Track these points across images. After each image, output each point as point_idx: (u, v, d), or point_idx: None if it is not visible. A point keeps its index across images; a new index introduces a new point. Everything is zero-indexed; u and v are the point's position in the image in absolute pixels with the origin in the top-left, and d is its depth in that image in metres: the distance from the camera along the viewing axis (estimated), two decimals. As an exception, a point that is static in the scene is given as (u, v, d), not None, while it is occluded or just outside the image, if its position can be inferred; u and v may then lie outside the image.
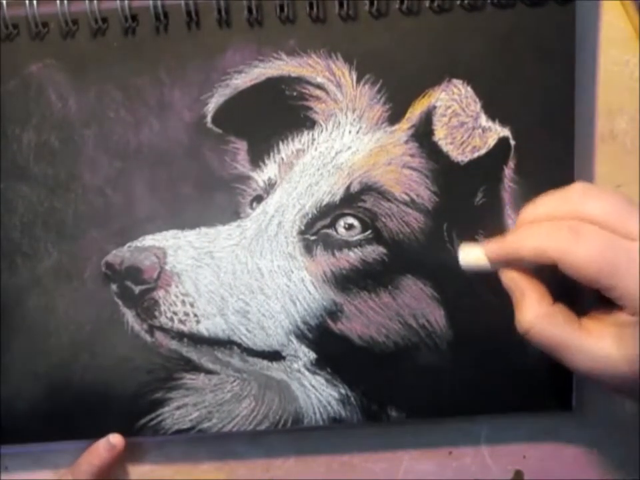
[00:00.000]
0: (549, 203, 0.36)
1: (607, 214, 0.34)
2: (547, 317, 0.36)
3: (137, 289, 0.42)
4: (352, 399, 0.43)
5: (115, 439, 0.44)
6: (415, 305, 0.42)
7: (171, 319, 0.42)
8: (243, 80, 0.41)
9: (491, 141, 0.41)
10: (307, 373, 0.43)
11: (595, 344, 0.35)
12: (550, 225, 0.35)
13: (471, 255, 0.39)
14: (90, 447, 0.44)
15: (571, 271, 0.34)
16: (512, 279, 0.37)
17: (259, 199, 0.43)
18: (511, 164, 0.42)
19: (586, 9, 0.41)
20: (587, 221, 0.34)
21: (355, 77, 0.41)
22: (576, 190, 0.35)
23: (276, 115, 0.42)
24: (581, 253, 0.33)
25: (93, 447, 0.44)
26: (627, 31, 0.42)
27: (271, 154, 0.42)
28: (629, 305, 0.33)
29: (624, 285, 0.33)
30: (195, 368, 0.44)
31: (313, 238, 0.42)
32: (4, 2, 0.41)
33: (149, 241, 0.42)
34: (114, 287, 0.43)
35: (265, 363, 0.43)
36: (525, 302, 0.36)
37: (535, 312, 0.36)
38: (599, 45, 0.42)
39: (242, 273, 0.42)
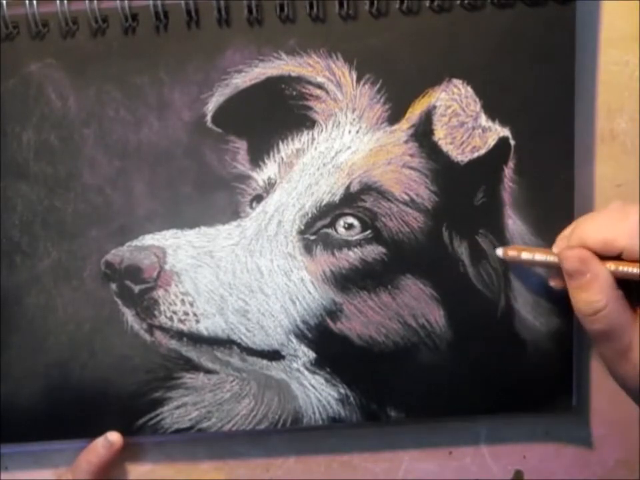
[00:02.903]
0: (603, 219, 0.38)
1: None
2: (619, 300, 0.37)
3: (136, 288, 0.42)
4: (351, 398, 0.43)
5: (113, 436, 0.44)
6: (415, 305, 0.42)
7: (171, 318, 0.42)
8: (243, 79, 0.41)
9: (491, 141, 0.41)
10: (306, 373, 0.43)
11: None
12: (614, 216, 0.37)
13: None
14: (88, 445, 0.44)
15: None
16: (585, 260, 0.37)
17: (258, 198, 0.43)
18: (511, 164, 0.42)
19: (586, 9, 0.41)
20: None
21: (354, 77, 0.41)
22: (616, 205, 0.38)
23: (276, 115, 0.42)
24: None
25: (91, 445, 0.44)
26: (627, 31, 0.42)
27: (271, 153, 0.42)
28: None
29: None
30: (195, 367, 0.44)
31: (312, 237, 0.42)
32: (4, 2, 0.41)
33: (148, 240, 0.42)
34: (113, 286, 0.43)
35: (265, 362, 0.43)
36: (600, 283, 0.37)
37: (610, 293, 0.37)
38: (599, 44, 0.42)
39: (241, 272, 0.42)
